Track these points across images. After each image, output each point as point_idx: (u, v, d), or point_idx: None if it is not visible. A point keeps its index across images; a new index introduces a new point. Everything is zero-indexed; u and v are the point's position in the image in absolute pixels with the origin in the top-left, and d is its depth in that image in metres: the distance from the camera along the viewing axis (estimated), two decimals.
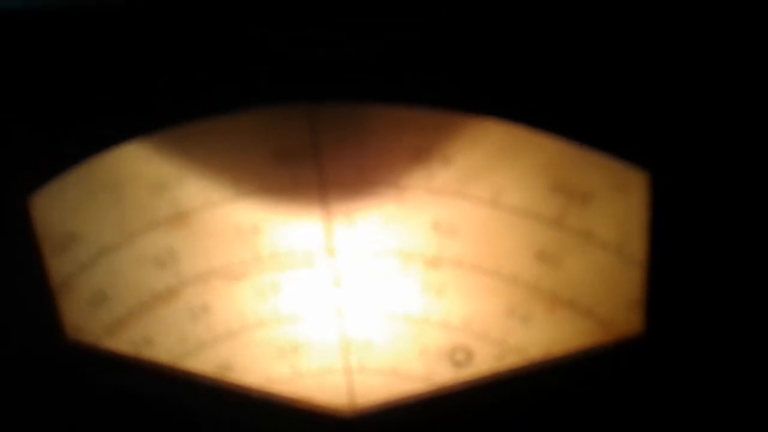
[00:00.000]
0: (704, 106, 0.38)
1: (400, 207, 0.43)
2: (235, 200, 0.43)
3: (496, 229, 0.42)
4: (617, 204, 0.41)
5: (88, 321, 0.47)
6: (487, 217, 0.42)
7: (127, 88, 0.40)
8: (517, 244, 0.43)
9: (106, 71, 0.39)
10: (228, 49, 0.38)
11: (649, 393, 0.44)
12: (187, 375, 0.46)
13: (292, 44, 0.38)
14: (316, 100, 0.39)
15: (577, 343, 0.44)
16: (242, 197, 0.43)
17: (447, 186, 0.42)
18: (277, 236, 0.44)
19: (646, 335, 0.42)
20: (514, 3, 0.36)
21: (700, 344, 0.42)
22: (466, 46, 0.37)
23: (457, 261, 0.44)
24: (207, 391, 0.46)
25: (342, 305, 0.46)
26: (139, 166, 0.43)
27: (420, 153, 0.41)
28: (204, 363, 0.47)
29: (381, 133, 0.41)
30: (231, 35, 0.38)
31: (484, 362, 0.46)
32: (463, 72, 0.38)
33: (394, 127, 0.41)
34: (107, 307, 0.47)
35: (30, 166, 0.42)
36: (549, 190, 0.41)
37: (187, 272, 0.45)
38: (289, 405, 0.46)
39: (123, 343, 0.47)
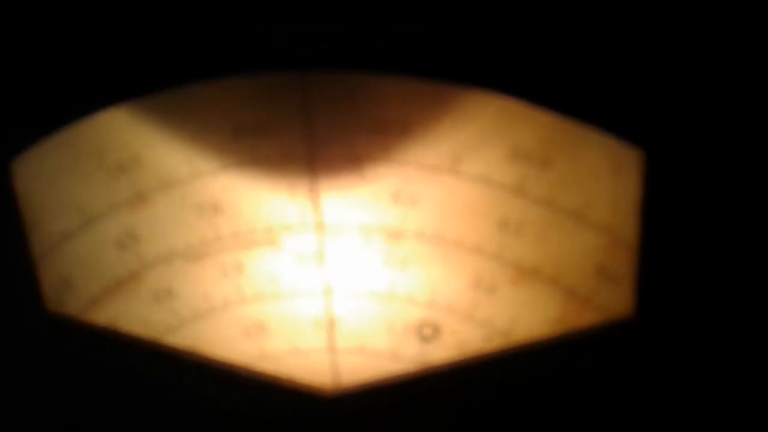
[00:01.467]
0: (702, 86, 0.38)
1: (389, 182, 0.43)
2: (211, 174, 0.43)
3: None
4: (578, 169, 0.41)
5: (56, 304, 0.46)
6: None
7: (113, 53, 0.39)
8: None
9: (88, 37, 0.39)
10: (220, 13, 0.38)
11: (640, 376, 0.43)
12: (171, 350, 0.46)
13: (286, 14, 0.38)
14: (307, 69, 0.39)
15: (544, 314, 0.44)
16: (218, 171, 0.43)
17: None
18: (257, 211, 0.44)
19: (638, 318, 0.42)
20: None
21: (693, 327, 0.42)
22: (462, 19, 0.37)
23: (438, 236, 0.44)
24: (189, 367, 0.46)
25: (329, 283, 0.45)
26: (114, 136, 0.43)
27: (414, 127, 0.41)
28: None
29: (372, 106, 0.41)
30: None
31: (452, 337, 0.46)
32: (459, 44, 0.38)
33: (386, 100, 0.41)
34: (72, 293, 0.46)
35: (11, 131, 0.41)
36: (508, 157, 0.41)
37: (149, 252, 0.45)
38: (272, 383, 0.46)
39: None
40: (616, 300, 0.43)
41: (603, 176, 0.41)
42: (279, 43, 0.38)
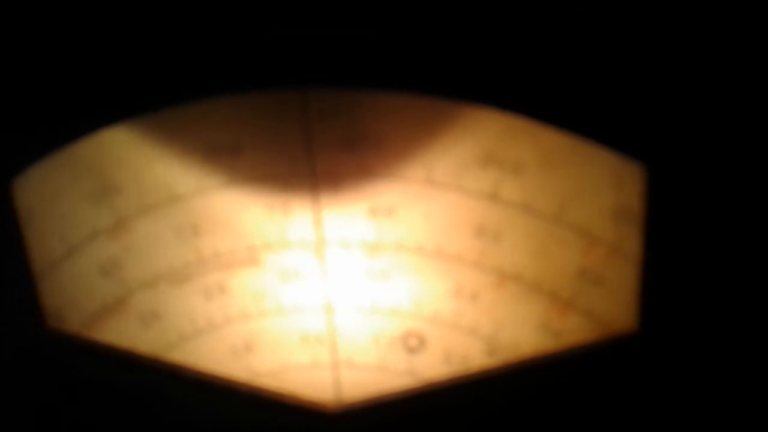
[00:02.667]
0: (704, 100, 0.38)
1: (388, 197, 0.43)
2: (208, 192, 0.44)
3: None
4: (550, 172, 0.41)
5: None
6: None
7: (112, 72, 0.39)
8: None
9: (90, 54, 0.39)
10: (219, 31, 0.38)
11: (643, 391, 0.43)
12: (172, 366, 0.46)
13: (285, 27, 0.38)
14: (307, 85, 0.39)
15: (528, 318, 0.44)
16: (214, 189, 0.43)
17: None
18: (253, 229, 0.44)
19: (641, 332, 0.42)
20: None
21: (696, 342, 0.42)
22: (463, 35, 0.37)
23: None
24: (191, 383, 0.46)
25: (329, 298, 0.46)
26: (110, 155, 0.43)
27: (416, 142, 0.42)
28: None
29: (374, 121, 0.41)
30: (223, 17, 0.38)
31: (437, 346, 0.46)
32: (460, 61, 0.38)
33: (388, 116, 0.41)
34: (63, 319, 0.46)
35: (12, 150, 0.42)
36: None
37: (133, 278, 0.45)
38: (275, 399, 0.46)
39: None
40: (598, 301, 0.43)
41: (580, 182, 0.41)
42: (277, 60, 0.38)
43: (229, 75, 0.39)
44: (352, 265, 0.45)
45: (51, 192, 0.44)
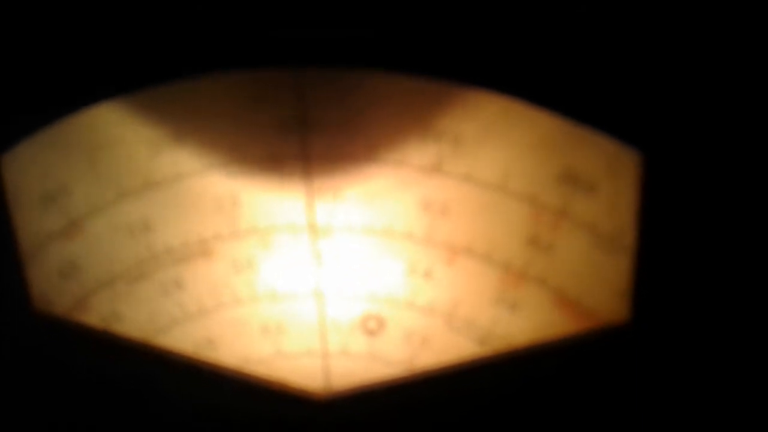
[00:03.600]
0: (702, 89, 0.38)
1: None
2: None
3: None
4: (491, 142, 0.42)
5: None
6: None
7: (105, 48, 0.39)
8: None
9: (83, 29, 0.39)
10: (209, 10, 0.38)
11: (634, 382, 0.43)
12: (160, 352, 0.46)
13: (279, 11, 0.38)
14: (302, 64, 0.39)
15: (482, 291, 0.45)
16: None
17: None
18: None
19: (633, 323, 0.42)
20: None
21: (688, 334, 0.42)
22: (462, 16, 0.38)
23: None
24: (180, 369, 0.45)
25: (323, 285, 0.46)
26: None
27: (413, 126, 0.42)
28: None
29: (369, 104, 0.41)
30: None
31: (396, 327, 0.46)
32: (459, 43, 0.38)
33: (384, 98, 0.41)
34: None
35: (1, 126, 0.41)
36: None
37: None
38: (264, 386, 0.45)
39: None
40: (550, 269, 0.44)
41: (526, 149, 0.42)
42: (271, 40, 0.39)
43: (221, 55, 0.39)
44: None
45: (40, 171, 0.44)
